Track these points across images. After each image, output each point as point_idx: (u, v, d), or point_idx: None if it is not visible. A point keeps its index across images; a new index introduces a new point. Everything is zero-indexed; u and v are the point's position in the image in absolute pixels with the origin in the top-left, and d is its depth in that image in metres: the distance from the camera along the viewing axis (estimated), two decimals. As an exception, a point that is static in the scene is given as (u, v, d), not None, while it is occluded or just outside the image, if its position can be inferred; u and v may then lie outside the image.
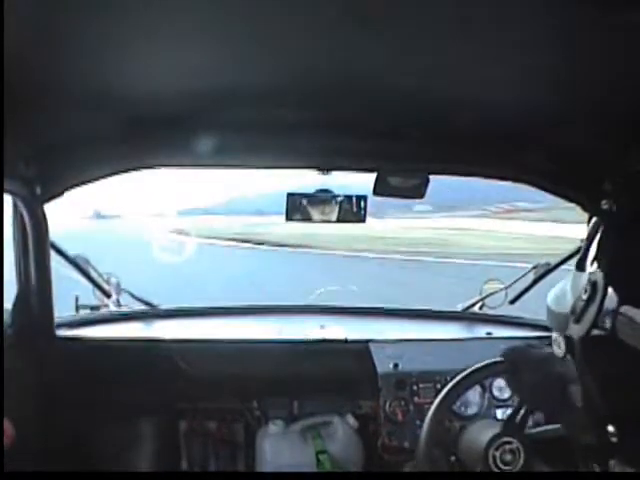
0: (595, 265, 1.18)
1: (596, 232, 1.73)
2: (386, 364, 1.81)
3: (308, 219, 1.66)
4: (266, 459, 1.88)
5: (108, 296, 2.09)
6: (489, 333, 2.02)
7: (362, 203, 1.66)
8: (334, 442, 1.90)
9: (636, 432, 1.07)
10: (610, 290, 1.06)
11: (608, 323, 1.04)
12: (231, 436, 1.96)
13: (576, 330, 1.13)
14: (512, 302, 2.15)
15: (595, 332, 1.09)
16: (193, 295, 5.50)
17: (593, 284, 1.10)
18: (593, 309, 1.08)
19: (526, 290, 2.13)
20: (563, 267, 2.04)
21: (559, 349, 1.17)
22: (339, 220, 1.66)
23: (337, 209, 1.65)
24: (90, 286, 2.09)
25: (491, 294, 2.19)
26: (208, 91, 1.14)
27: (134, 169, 1.59)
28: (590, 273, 1.15)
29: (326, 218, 1.65)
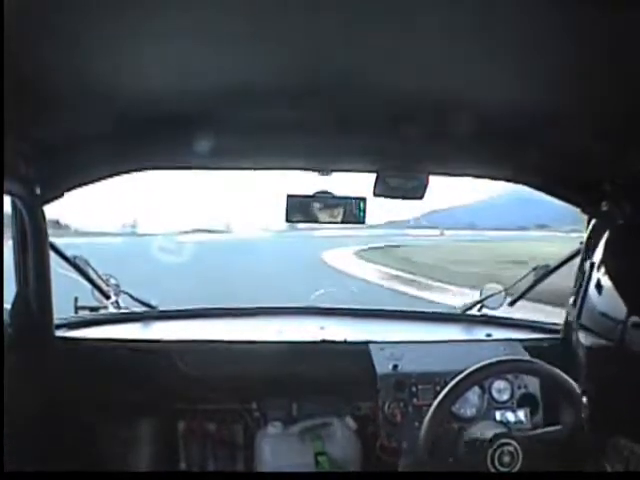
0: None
1: (595, 234, 1.74)
2: (385, 365, 1.81)
3: (308, 220, 1.66)
4: (265, 460, 1.88)
5: (107, 297, 2.09)
6: (489, 335, 2.02)
7: (362, 205, 1.66)
8: (333, 443, 1.90)
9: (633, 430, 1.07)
10: (616, 297, 1.06)
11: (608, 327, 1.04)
12: (230, 437, 1.96)
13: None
14: (512, 304, 2.15)
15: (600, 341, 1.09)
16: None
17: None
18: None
19: (526, 292, 2.12)
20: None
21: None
22: (339, 222, 1.66)
23: (337, 211, 1.65)
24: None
25: (491, 296, 2.18)
26: (208, 92, 1.15)
27: (134, 170, 1.59)
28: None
29: (326, 220, 1.65)
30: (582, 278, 1.85)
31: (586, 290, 1.69)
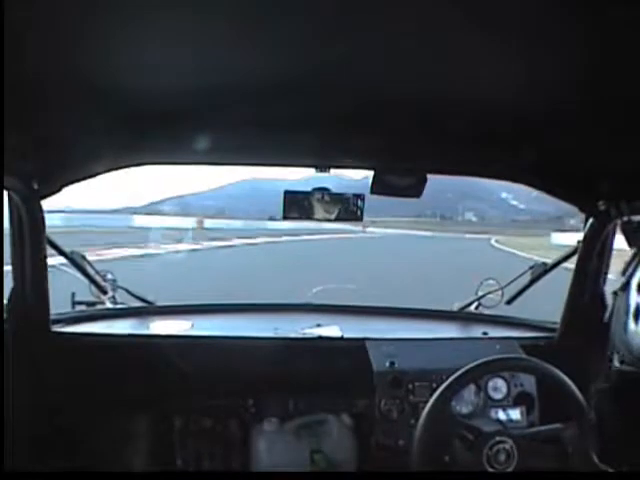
0: None
1: (593, 233, 1.74)
2: (382, 362, 1.81)
3: (305, 217, 1.65)
4: (261, 457, 1.88)
5: (104, 293, 2.09)
6: (485, 333, 2.03)
7: (359, 202, 1.65)
8: (329, 440, 1.90)
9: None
10: None
11: None
12: (226, 433, 1.95)
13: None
14: (509, 302, 2.15)
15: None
16: None
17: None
18: None
19: (523, 290, 2.12)
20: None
21: None
22: (336, 219, 1.65)
23: (334, 207, 1.65)
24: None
25: (487, 294, 2.19)
26: (206, 88, 1.14)
27: (131, 165, 1.59)
28: None
29: (323, 216, 1.65)
30: (580, 278, 1.86)
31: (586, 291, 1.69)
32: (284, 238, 22.09)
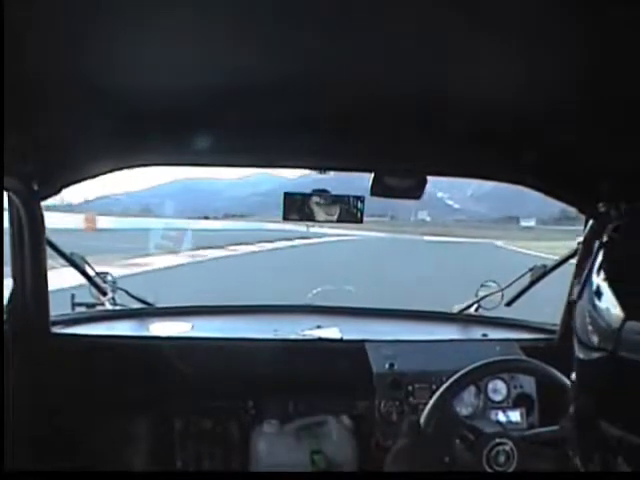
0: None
1: (593, 234, 1.74)
2: (382, 364, 1.81)
3: (305, 219, 1.65)
4: (261, 458, 1.88)
5: (104, 294, 2.08)
6: (485, 335, 2.03)
7: (359, 203, 1.66)
8: (329, 442, 1.90)
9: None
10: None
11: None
12: (226, 435, 1.95)
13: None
14: (508, 304, 2.15)
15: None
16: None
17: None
18: None
19: (522, 292, 2.12)
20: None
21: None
22: (336, 220, 1.65)
23: (334, 209, 1.65)
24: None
25: (487, 296, 2.19)
26: (206, 90, 1.14)
27: (131, 166, 1.58)
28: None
29: (323, 218, 1.65)
30: (580, 279, 1.86)
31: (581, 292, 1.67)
32: (210, 252, 15.16)
